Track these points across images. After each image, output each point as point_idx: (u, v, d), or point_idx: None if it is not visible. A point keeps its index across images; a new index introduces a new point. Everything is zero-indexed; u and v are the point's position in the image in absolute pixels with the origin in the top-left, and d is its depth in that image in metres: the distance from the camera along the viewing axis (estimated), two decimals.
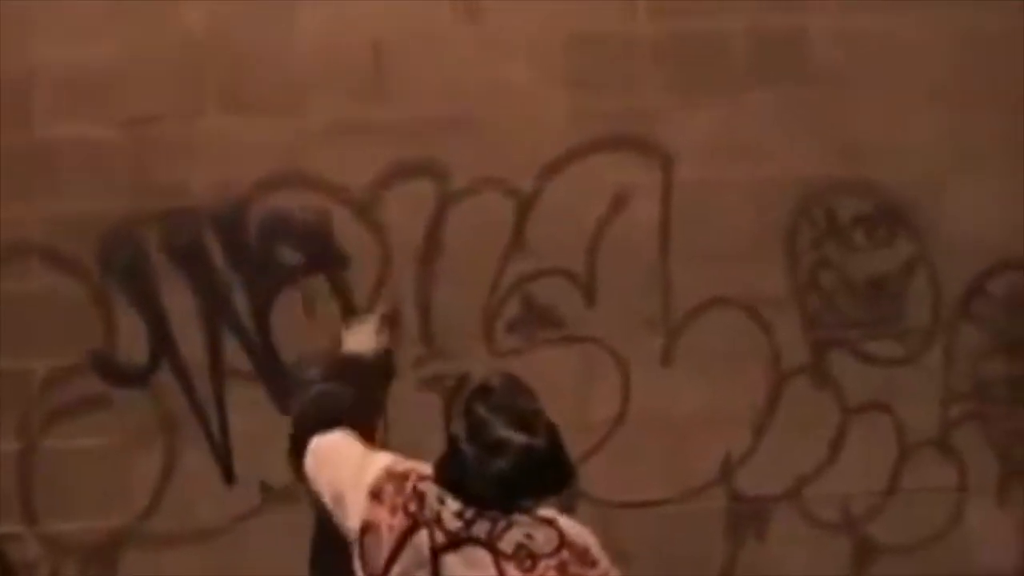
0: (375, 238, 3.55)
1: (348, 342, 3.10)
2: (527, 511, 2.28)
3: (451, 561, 2.27)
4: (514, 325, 3.58)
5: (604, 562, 2.27)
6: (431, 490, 2.34)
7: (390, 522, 2.36)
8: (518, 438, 2.18)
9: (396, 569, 2.33)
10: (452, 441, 2.26)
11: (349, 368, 3.01)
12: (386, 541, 2.35)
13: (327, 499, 2.56)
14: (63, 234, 3.53)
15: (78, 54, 3.47)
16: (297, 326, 3.58)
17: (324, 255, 3.56)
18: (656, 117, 3.52)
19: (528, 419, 2.23)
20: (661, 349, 3.59)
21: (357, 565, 2.44)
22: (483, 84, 3.51)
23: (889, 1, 3.54)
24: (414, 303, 3.57)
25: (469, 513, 2.28)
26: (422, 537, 2.29)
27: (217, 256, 3.56)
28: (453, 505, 2.29)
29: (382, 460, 2.49)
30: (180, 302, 3.57)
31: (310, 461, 2.64)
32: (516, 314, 3.57)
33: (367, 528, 2.40)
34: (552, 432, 2.22)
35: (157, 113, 3.52)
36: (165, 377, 3.59)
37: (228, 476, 3.60)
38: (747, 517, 3.64)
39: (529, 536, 2.26)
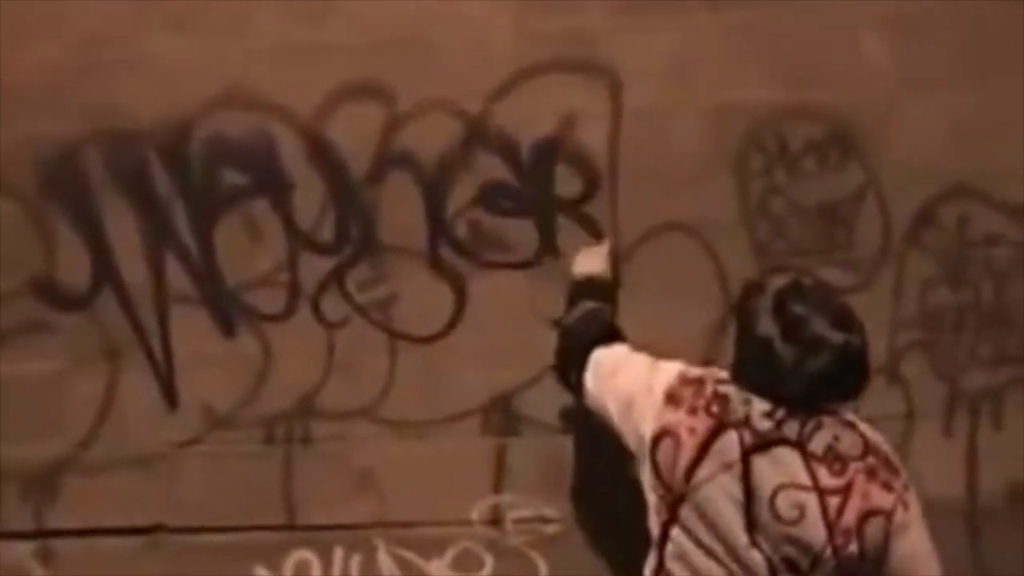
0: (320, 161, 3.53)
1: (581, 265, 3.16)
2: (832, 412, 2.29)
3: (761, 462, 2.31)
4: (461, 248, 3.57)
5: (904, 472, 2.29)
6: (734, 392, 2.35)
7: (691, 425, 2.39)
8: (837, 336, 2.24)
9: (702, 473, 2.36)
10: (762, 341, 2.26)
11: (596, 286, 3.08)
12: (688, 445, 2.39)
13: (613, 408, 2.60)
14: (2, 156, 3.54)
15: None
16: (242, 250, 3.61)
17: (269, 178, 3.57)
18: (605, 40, 3.52)
19: (845, 317, 2.27)
20: None
21: (647, 471, 2.43)
22: (429, 5, 3.52)
23: None
24: (359, 227, 3.55)
25: (779, 413, 2.30)
26: (731, 438, 2.34)
27: (160, 179, 3.58)
28: (761, 405, 2.33)
29: (674, 366, 2.54)
30: (122, 226, 3.59)
31: (591, 376, 2.69)
32: (463, 237, 3.57)
33: (663, 433, 2.44)
34: (864, 331, 2.24)
35: (99, 32, 3.51)
36: (107, 302, 3.61)
37: (171, 402, 3.61)
38: None
39: (836, 438, 2.31)
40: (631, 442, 2.53)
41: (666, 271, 3.54)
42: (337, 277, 3.56)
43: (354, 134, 3.52)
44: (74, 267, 3.57)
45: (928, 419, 3.62)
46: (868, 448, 2.32)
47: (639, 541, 2.62)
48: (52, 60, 3.49)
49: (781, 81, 3.52)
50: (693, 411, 2.38)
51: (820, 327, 2.23)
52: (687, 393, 2.42)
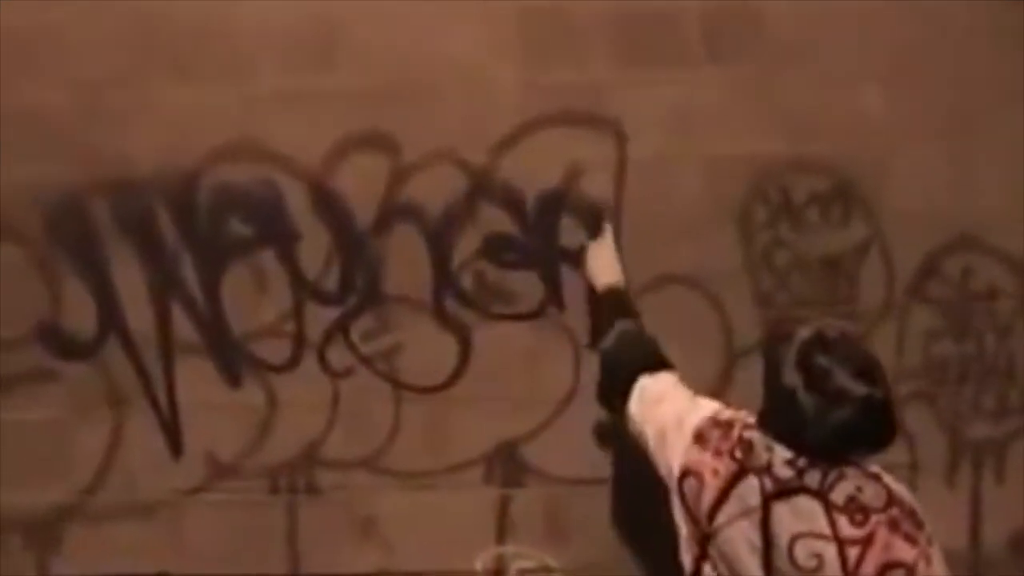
0: (326, 211, 3.57)
1: (597, 272, 3.16)
2: (855, 464, 2.30)
3: (781, 510, 2.33)
4: (466, 299, 3.59)
5: (928, 527, 2.30)
6: (758, 438, 2.38)
7: (714, 467, 2.42)
8: (860, 388, 2.26)
9: (721, 517, 2.38)
10: (785, 391, 2.28)
11: (619, 297, 3.11)
12: (710, 487, 2.41)
13: (651, 438, 2.63)
14: (9, 202, 3.57)
15: (27, 18, 3.50)
16: (247, 299, 3.63)
17: (275, 228, 3.59)
18: (609, 93, 3.56)
19: (869, 369, 2.29)
20: None
21: (676, 504, 2.46)
22: (435, 56, 3.56)
23: None
24: (364, 278, 3.57)
25: (801, 462, 2.32)
26: (751, 484, 2.36)
27: (167, 227, 3.60)
28: (784, 453, 2.34)
29: (708, 406, 2.57)
30: (129, 274, 3.61)
31: (635, 402, 2.71)
32: (468, 288, 3.59)
33: (688, 472, 2.47)
34: (887, 383, 2.25)
35: (106, 79, 3.55)
36: (112, 350, 3.63)
37: (176, 450, 3.61)
38: None
39: (859, 489, 2.32)
40: (663, 472, 2.56)
41: (670, 321, 3.51)
42: (342, 327, 3.59)
43: (360, 185, 3.56)
44: (80, 315, 3.59)
45: (931, 470, 3.63)
46: (892, 500, 2.32)
47: (676, 570, 2.62)
48: (57, 106, 3.52)
49: (785, 134, 3.55)
50: (718, 454, 2.41)
51: (843, 379, 2.24)
52: (715, 435, 2.44)
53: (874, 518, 2.28)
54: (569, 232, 3.56)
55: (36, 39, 3.50)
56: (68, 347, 3.59)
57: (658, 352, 2.90)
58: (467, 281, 3.58)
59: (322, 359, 3.59)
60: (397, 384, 3.60)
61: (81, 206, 3.55)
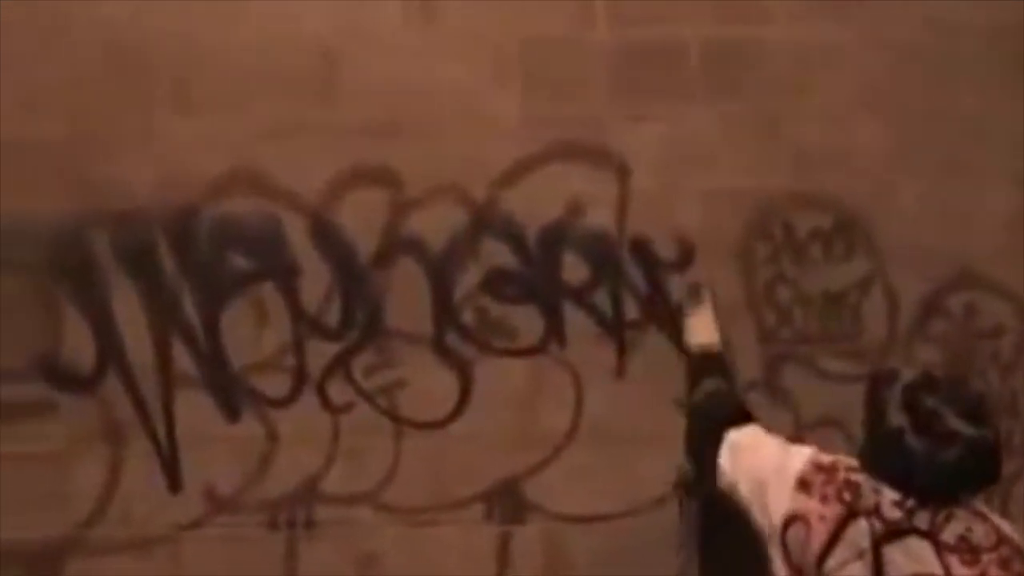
0: (327, 245, 3.58)
1: (693, 333, 3.20)
2: (962, 503, 2.30)
3: (892, 552, 2.34)
4: (467, 334, 3.58)
5: None
6: (864, 480, 2.36)
7: (822, 512, 2.42)
8: (969, 429, 2.25)
9: (832, 561, 2.39)
10: (892, 433, 2.27)
11: (712, 358, 3.12)
12: (818, 532, 2.41)
13: (745, 489, 2.64)
14: (9, 234, 3.55)
15: (29, 49, 3.50)
16: (247, 333, 3.63)
17: (276, 261, 3.60)
18: (611, 126, 3.59)
19: (978, 410, 2.31)
20: (615, 361, 3.56)
21: (777, 555, 2.46)
22: (436, 89, 3.58)
23: (841, 11, 3.59)
24: (365, 312, 3.56)
25: (910, 503, 2.32)
26: (861, 527, 2.36)
27: (167, 260, 3.60)
28: (891, 495, 2.34)
29: (807, 450, 2.57)
30: (128, 307, 3.60)
31: (726, 455, 2.74)
32: (469, 323, 3.59)
33: (793, 519, 2.47)
34: (995, 422, 2.28)
35: (106, 111, 3.55)
36: (112, 383, 3.62)
37: (174, 485, 3.58)
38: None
39: (969, 529, 2.33)
40: (762, 523, 2.54)
41: (671, 358, 3.54)
42: (343, 362, 3.59)
43: (361, 219, 3.57)
44: (79, 348, 3.58)
45: None
46: (1001, 539, 2.32)
47: None
48: (56, 136, 3.52)
49: (787, 168, 3.58)
50: (824, 498, 2.40)
51: (952, 420, 2.25)
52: (818, 480, 2.44)
53: (985, 557, 2.27)
54: (571, 267, 3.56)
55: (36, 70, 3.50)
56: (67, 380, 3.58)
57: (744, 406, 2.91)
58: (468, 316, 3.59)
59: (322, 393, 3.59)
60: (397, 419, 3.60)
61: (81, 238, 3.55)
